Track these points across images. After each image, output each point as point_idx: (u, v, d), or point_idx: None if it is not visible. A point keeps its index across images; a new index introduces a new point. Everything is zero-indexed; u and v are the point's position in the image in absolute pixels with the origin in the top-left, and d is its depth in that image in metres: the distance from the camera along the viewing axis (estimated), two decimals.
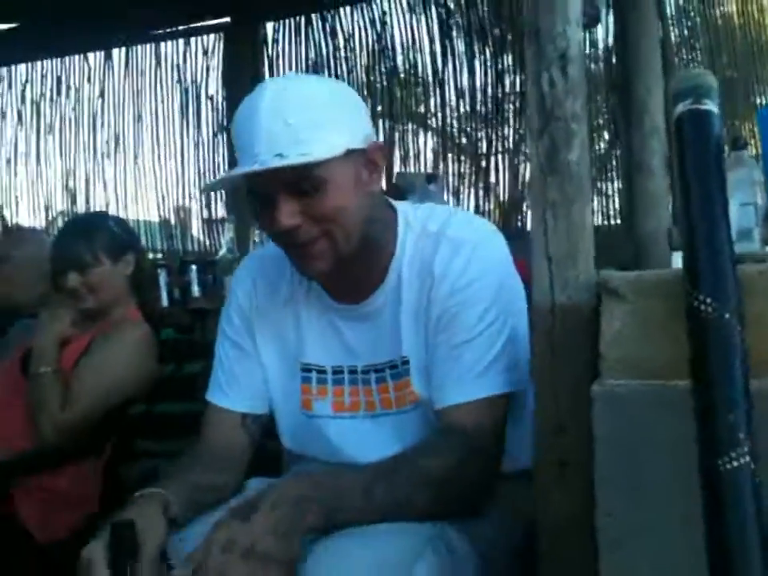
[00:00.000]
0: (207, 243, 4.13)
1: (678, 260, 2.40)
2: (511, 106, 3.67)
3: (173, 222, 4.28)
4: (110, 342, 2.09)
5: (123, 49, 4.30)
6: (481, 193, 3.66)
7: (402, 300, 1.29)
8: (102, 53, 4.35)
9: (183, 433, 2.58)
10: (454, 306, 1.25)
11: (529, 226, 3.48)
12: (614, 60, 3.34)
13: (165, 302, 2.77)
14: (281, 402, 1.39)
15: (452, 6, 3.67)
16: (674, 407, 0.85)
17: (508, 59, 3.63)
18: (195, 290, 2.82)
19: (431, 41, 3.70)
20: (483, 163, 3.70)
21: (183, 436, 2.60)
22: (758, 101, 3.35)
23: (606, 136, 3.78)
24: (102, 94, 4.36)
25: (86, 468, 2.08)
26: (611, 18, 3.24)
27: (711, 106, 0.95)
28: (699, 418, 0.78)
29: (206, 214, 4.13)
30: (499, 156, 3.67)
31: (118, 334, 2.11)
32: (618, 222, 3.35)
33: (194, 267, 2.84)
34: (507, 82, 3.63)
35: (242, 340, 1.39)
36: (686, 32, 3.40)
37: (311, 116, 1.16)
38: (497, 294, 1.26)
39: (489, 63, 3.63)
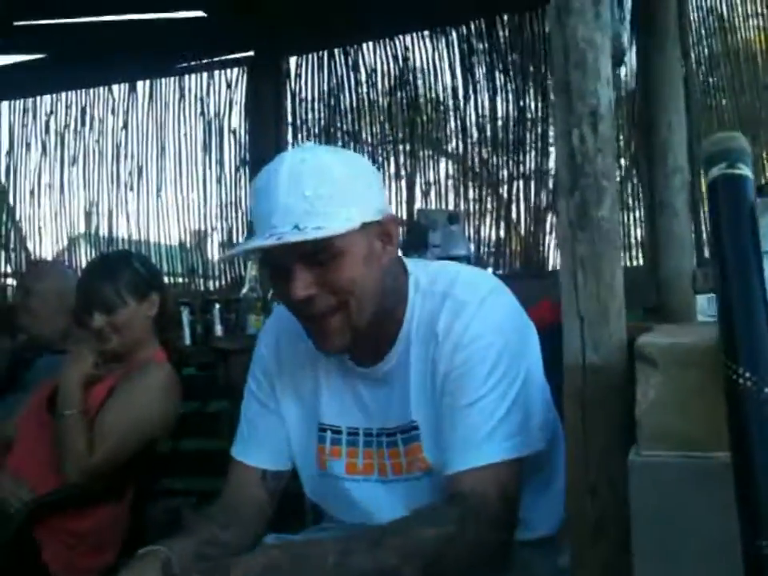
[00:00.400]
0: (228, 276, 4.14)
1: (701, 303, 2.38)
2: (531, 136, 3.67)
3: (194, 255, 4.30)
4: (135, 384, 2.10)
5: (147, 81, 4.34)
6: (502, 231, 3.65)
7: (411, 363, 1.28)
8: (126, 85, 4.40)
9: (206, 471, 2.59)
10: (457, 366, 1.23)
11: (549, 264, 3.51)
12: (631, 88, 3.35)
13: (187, 340, 2.77)
14: (300, 458, 1.39)
15: (474, 40, 3.69)
16: (712, 480, 0.84)
17: (530, 89, 3.64)
18: (218, 328, 2.82)
19: (453, 75, 3.72)
20: (504, 194, 3.69)
21: (206, 474, 2.61)
22: None
23: (623, 162, 3.76)
24: (125, 126, 4.40)
25: (109, 510, 2.09)
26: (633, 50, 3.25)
27: (745, 171, 0.94)
28: (740, 497, 0.76)
29: (227, 247, 4.15)
30: (520, 183, 3.66)
31: (142, 377, 2.12)
32: (640, 260, 3.31)
33: (216, 306, 2.85)
34: (528, 114, 3.64)
35: (266, 397, 1.40)
36: (706, 58, 3.37)
37: (328, 189, 1.16)
38: (501, 355, 1.24)
39: (510, 91, 3.63)
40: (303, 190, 1.15)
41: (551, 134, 3.58)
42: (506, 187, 3.71)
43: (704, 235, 3.04)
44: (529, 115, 3.63)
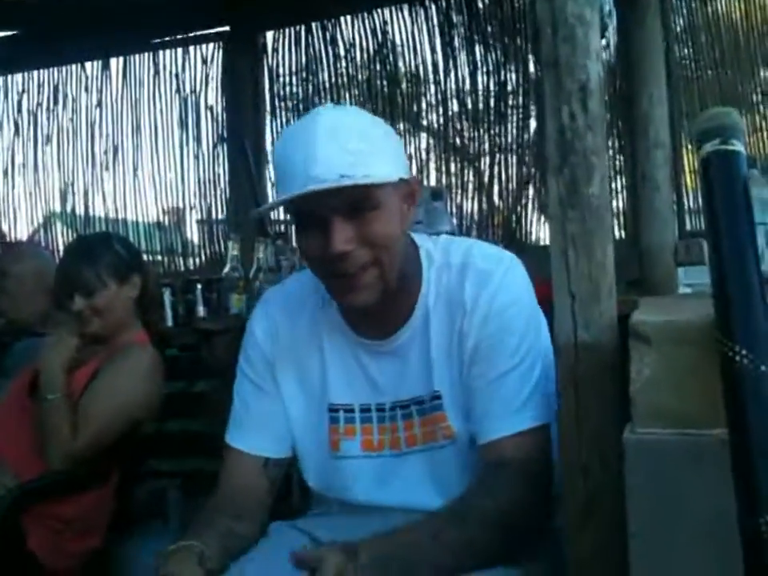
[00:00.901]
0: (208, 254, 4.10)
1: (682, 276, 2.39)
2: (511, 109, 3.64)
3: (172, 234, 4.25)
4: (118, 366, 2.08)
5: (121, 58, 4.26)
6: (484, 205, 3.63)
7: (431, 335, 1.29)
8: (100, 62, 4.30)
9: (191, 451, 2.58)
10: (487, 336, 1.26)
11: (531, 239, 3.50)
12: (612, 61, 3.32)
13: (169, 321, 2.74)
14: (306, 443, 1.37)
15: (453, 13, 3.65)
16: (707, 457, 0.84)
17: (510, 62, 3.60)
18: (200, 309, 2.79)
19: (432, 49, 3.68)
20: (486, 168, 3.66)
21: (191, 455, 2.60)
22: (756, 99, 3.29)
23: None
24: (99, 104, 4.31)
25: (95, 494, 2.07)
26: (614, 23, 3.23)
27: (738, 147, 0.94)
28: (736, 474, 0.77)
29: (206, 224, 4.10)
30: (501, 157, 3.63)
31: (125, 359, 2.10)
32: (618, 232, 3.30)
33: (198, 286, 2.82)
34: (509, 87, 3.61)
35: (263, 381, 1.37)
36: (685, 30, 3.33)
37: (368, 145, 1.19)
38: (527, 324, 1.28)
39: (490, 64, 3.60)
40: (345, 143, 1.17)
41: (532, 107, 3.56)
42: (486, 161, 3.68)
43: (685, 208, 3.04)
44: (509, 88, 3.60)
